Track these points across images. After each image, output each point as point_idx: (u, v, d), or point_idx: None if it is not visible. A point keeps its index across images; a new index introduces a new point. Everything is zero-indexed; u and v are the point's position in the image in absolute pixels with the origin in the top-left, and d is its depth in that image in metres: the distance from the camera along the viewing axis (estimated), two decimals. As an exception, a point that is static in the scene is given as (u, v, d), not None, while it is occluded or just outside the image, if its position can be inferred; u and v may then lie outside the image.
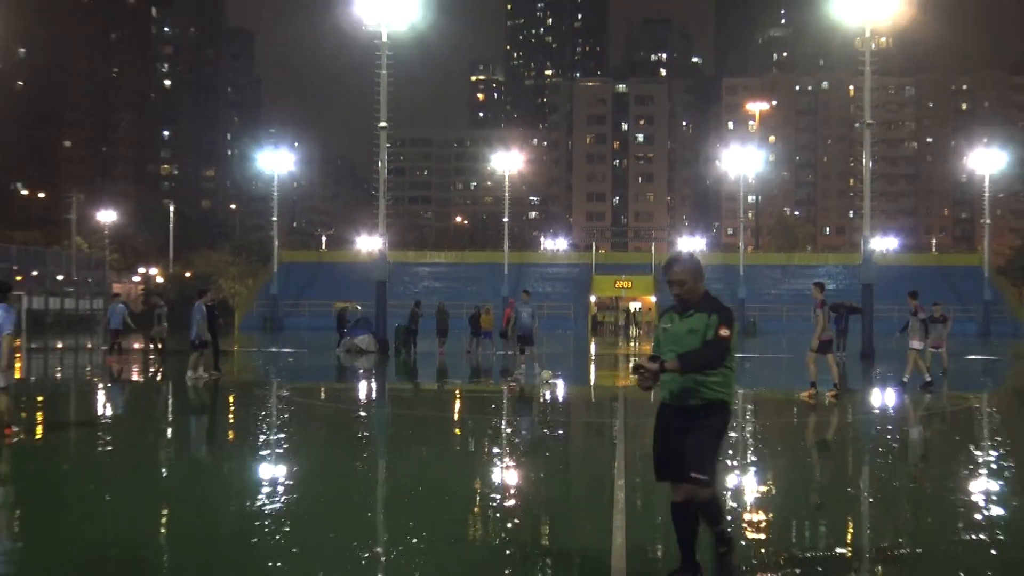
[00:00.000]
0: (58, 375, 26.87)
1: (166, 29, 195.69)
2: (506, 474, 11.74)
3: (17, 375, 15.82)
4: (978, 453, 13.43)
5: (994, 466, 12.26)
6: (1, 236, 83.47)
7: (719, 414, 6.45)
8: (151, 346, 34.18)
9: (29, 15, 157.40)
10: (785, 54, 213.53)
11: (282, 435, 14.87)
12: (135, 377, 26.26)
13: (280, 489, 10.58)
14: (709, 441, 6.39)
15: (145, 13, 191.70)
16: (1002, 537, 8.24)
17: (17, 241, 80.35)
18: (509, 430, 16.10)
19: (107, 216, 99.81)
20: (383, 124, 40.40)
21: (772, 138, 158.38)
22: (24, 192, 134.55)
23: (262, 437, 14.75)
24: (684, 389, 6.39)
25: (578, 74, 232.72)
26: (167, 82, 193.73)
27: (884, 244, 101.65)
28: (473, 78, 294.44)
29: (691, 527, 6.44)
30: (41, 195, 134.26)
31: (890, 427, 16.95)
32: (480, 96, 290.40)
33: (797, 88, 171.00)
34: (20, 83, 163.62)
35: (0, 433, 12.92)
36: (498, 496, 10.31)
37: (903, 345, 22.81)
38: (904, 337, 22.81)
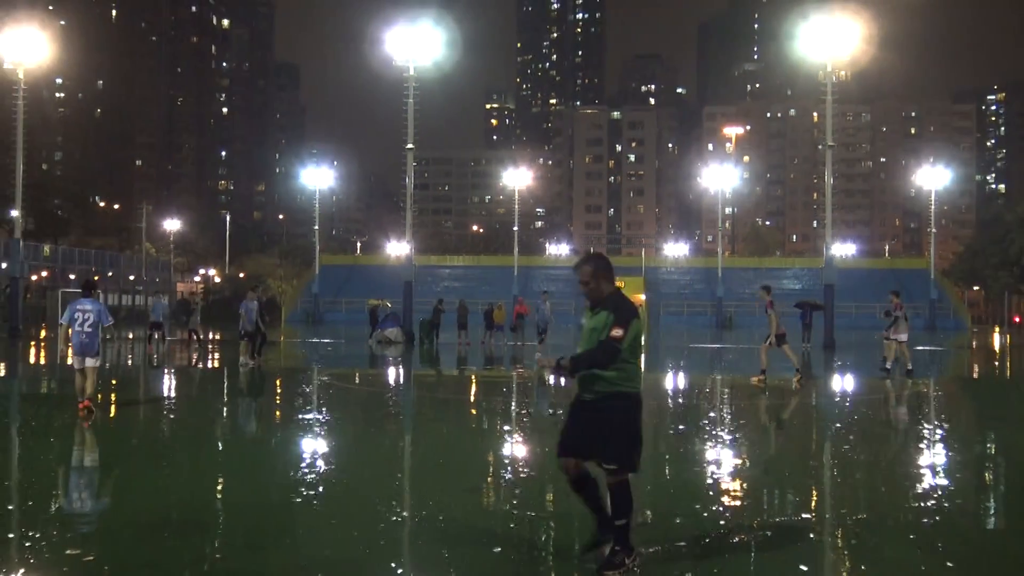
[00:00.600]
0: (129, 362, 26.89)
1: (223, 63, 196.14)
2: (516, 448, 11.69)
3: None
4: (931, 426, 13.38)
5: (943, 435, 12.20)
6: (83, 242, 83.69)
7: (619, 406, 6.05)
8: (193, 336, 34.30)
9: (106, 52, 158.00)
10: (757, 85, 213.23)
11: (321, 414, 14.84)
12: (190, 363, 26.26)
13: (319, 461, 10.55)
14: (613, 432, 6.02)
15: (205, 49, 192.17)
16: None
17: (96, 246, 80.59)
18: (519, 410, 16.05)
19: (172, 225, 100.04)
20: (410, 145, 40.41)
21: (746, 158, 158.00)
22: (102, 204, 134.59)
23: (303, 415, 14.72)
24: (584, 382, 6.09)
25: (578, 103, 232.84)
26: (224, 109, 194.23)
27: (843, 250, 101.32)
28: (487, 105, 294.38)
29: (593, 496, 6.23)
30: (116, 206, 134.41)
31: (850, 407, 16.86)
32: (493, 121, 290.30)
33: (768, 115, 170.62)
34: (99, 110, 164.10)
35: (80, 407, 13.28)
36: (509, 468, 10.27)
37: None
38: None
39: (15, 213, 44.32)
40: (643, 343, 6.84)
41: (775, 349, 19.76)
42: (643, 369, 6.37)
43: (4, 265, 55.45)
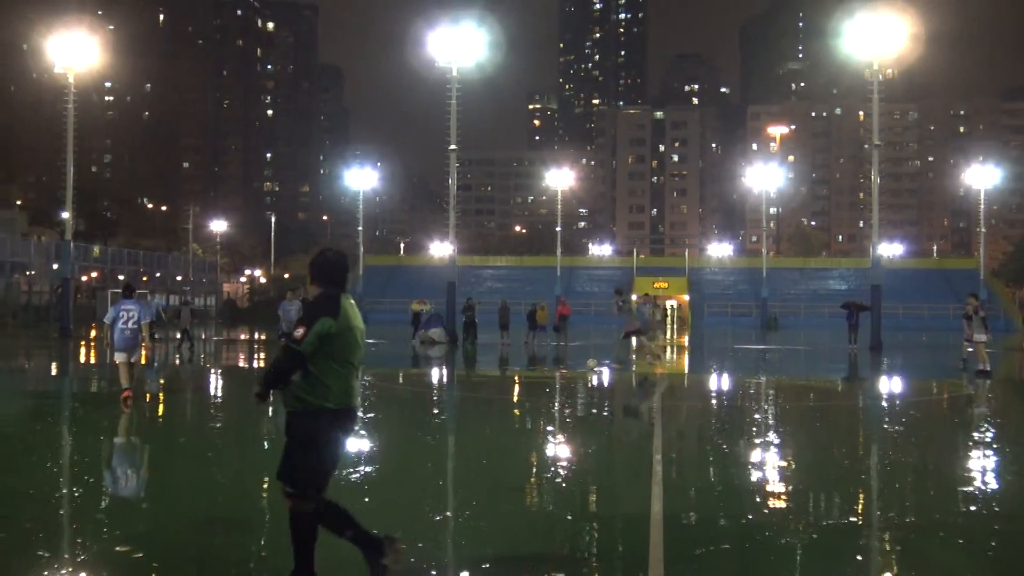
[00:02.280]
0: (176, 360, 27.20)
1: (268, 67, 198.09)
2: (558, 448, 11.66)
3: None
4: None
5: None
6: (131, 243, 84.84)
7: (299, 423, 5.22)
8: (182, 336, 34.07)
9: (153, 56, 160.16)
10: (802, 84, 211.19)
11: (364, 413, 14.90)
12: (239, 362, 26.49)
13: (365, 459, 10.59)
14: (294, 453, 5.23)
15: (250, 53, 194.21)
16: None
17: (144, 247, 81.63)
18: (560, 410, 16.02)
19: (218, 226, 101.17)
20: (453, 146, 40.48)
21: (791, 157, 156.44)
22: (149, 206, 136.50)
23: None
24: (284, 394, 5.30)
25: (621, 103, 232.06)
26: (269, 112, 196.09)
27: (890, 250, 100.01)
28: (530, 106, 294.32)
29: (302, 537, 5.29)
30: (163, 208, 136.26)
31: (899, 409, 16.62)
32: (536, 122, 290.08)
33: (813, 114, 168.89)
34: (147, 114, 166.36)
35: (121, 397, 13.92)
36: (550, 467, 10.24)
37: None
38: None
39: (66, 215, 45.02)
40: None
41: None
42: (356, 379, 5.47)
43: (56, 266, 56.33)
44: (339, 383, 5.24)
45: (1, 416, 14.42)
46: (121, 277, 64.74)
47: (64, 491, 8.57)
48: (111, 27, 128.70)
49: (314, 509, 5.26)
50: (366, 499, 8.15)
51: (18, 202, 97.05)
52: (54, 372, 24.51)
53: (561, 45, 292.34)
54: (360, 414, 5.43)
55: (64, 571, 5.96)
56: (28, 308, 54.20)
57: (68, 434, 12.71)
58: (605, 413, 16.11)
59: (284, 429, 5.36)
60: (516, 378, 23.50)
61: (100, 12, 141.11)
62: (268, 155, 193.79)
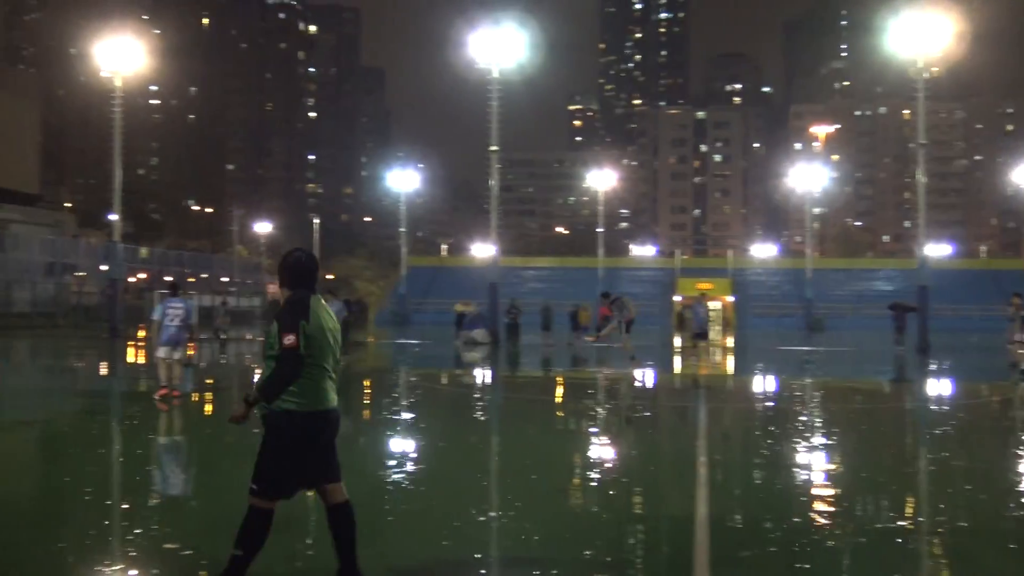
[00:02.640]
0: (222, 360, 27.49)
1: (311, 69, 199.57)
2: (602, 450, 11.64)
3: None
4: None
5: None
6: (177, 245, 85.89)
7: (273, 426, 5.15)
8: (213, 334, 34.74)
9: (198, 59, 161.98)
10: (846, 83, 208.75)
11: (408, 413, 14.97)
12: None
13: (407, 460, 10.64)
14: (262, 453, 5.19)
15: (293, 55, 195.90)
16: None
17: (190, 249, 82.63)
18: (605, 411, 15.98)
19: (263, 227, 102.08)
20: (494, 148, 40.56)
21: (835, 157, 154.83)
22: (195, 208, 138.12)
23: (391, 415, 14.88)
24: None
25: (663, 103, 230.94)
26: (311, 114, 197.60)
27: (937, 250, 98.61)
28: (570, 107, 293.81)
29: (250, 534, 5.27)
30: (209, 210, 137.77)
31: (948, 411, 16.40)
32: (576, 122, 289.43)
33: (857, 113, 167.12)
34: (192, 116, 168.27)
35: (170, 396, 14.39)
36: (595, 469, 10.21)
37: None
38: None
39: (114, 217, 45.66)
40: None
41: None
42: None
43: (104, 267, 57.12)
44: (310, 386, 5.14)
45: (54, 414, 14.66)
46: (168, 278, 65.63)
47: (112, 490, 8.70)
48: (157, 31, 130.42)
49: (251, 505, 5.20)
50: (410, 500, 8.19)
51: (67, 204, 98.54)
52: (104, 372, 24.88)
53: (601, 46, 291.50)
54: (337, 416, 5.32)
55: (114, 568, 6.06)
56: (78, 308, 55.01)
57: (115, 432, 12.88)
58: (647, 414, 16.05)
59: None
60: (558, 379, 23.47)
61: (146, 17, 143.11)
62: (311, 157, 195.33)
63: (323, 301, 5.44)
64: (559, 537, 6.89)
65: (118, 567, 6.10)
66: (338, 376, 5.44)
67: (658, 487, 9.25)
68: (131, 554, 6.41)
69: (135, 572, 6.06)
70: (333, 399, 5.29)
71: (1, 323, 46.42)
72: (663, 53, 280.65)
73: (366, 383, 21.35)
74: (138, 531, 6.98)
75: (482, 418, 15.27)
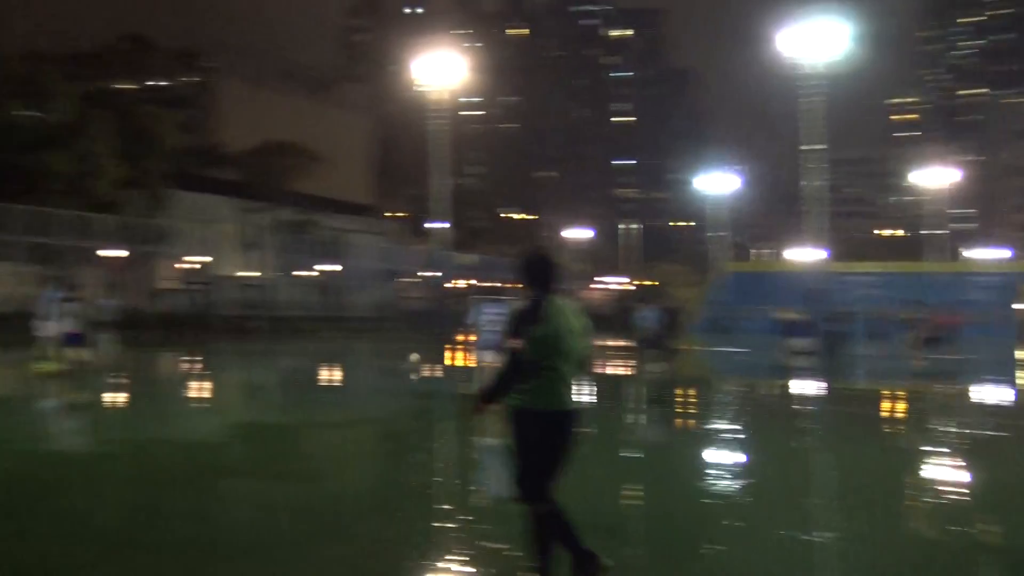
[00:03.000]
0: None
1: (619, 73, 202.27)
2: (939, 470, 10.81)
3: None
4: None
5: None
6: (496, 251, 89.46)
7: (513, 424, 5.25)
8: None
9: (508, 71, 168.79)
10: None
11: (729, 424, 14.65)
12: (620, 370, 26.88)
13: (730, 472, 10.32)
14: (514, 455, 5.27)
15: (602, 61, 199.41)
16: None
17: (509, 255, 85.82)
18: (939, 428, 14.74)
19: (577, 234, 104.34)
20: (819, 146, 39.15)
21: None
22: (512, 215, 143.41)
23: (717, 424, 14.58)
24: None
25: (998, 92, 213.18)
26: (621, 119, 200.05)
27: None
28: (892, 100, 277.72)
29: (541, 538, 5.32)
30: (525, 217, 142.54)
31: None
32: (898, 117, 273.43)
33: None
34: (507, 126, 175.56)
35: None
36: (931, 490, 9.52)
37: None
38: None
39: (442, 225, 48.26)
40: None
41: None
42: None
43: (431, 273, 60.62)
44: (540, 386, 5.18)
45: (384, 414, 15.56)
46: (487, 284, 68.60)
47: (438, 488, 9.02)
48: (478, 44, 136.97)
49: (537, 512, 5.28)
50: (730, 515, 8.00)
51: (400, 213, 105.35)
52: (436, 374, 26.27)
53: (923, 35, 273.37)
54: (573, 418, 5.31)
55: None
56: (410, 313, 58.70)
57: (438, 433, 13.42)
58: (990, 433, 14.62)
59: None
60: (891, 393, 22.07)
61: (464, 32, 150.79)
62: (621, 162, 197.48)
63: (562, 301, 5.40)
64: (887, 563, 6.51)
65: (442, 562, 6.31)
66: (582, 377, 5.42)
67: (1005, 515, 8.28)
68: (453, 548, 6.64)
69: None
70: (567, 401, 5.30)
71: (342, 326, 50.38)
72: (992, 39, 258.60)
73: (681, 392, 20.98)
74: (454, 527, 7.20)
75: (805, 431, 14.62)
